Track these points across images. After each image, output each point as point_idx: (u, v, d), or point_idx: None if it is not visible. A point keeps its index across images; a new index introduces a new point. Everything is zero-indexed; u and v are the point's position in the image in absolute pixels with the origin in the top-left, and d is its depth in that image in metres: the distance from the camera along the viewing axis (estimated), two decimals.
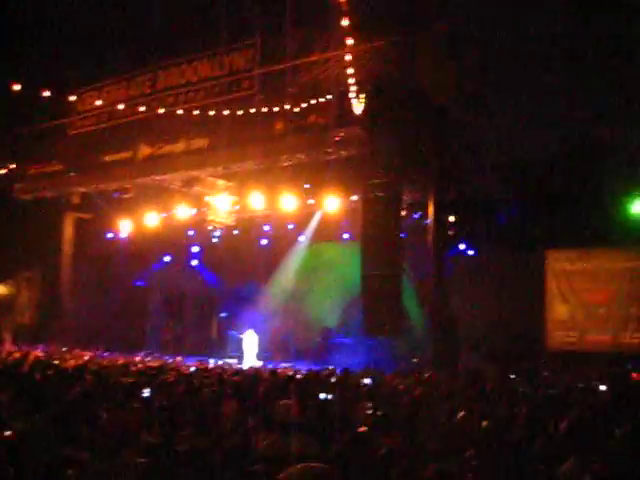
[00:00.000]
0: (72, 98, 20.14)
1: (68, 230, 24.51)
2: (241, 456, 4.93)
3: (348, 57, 14.78)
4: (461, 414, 6.45)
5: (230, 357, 21.50)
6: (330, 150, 16.69)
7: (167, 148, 19.00)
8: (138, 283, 25.36)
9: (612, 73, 16.80)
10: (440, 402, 8.14)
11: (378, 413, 6.72)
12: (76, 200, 23.30)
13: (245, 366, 18.09)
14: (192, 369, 14.04)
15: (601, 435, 5.93)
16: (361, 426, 5.69)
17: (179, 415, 6.48)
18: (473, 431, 5.97)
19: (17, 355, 15.59)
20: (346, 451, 4.83)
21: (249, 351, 21.37)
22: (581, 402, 8.41)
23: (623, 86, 16.73)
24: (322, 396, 7.90)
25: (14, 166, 22.80)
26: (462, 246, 19.97)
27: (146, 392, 7.99)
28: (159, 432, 5.90)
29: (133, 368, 12.94)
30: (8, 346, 19.65)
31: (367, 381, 10.52)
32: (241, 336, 21.84)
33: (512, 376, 13.09)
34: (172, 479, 4.53)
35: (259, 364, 19.37)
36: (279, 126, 16.86)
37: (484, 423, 5.90)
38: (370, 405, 7.20)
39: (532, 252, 18.89)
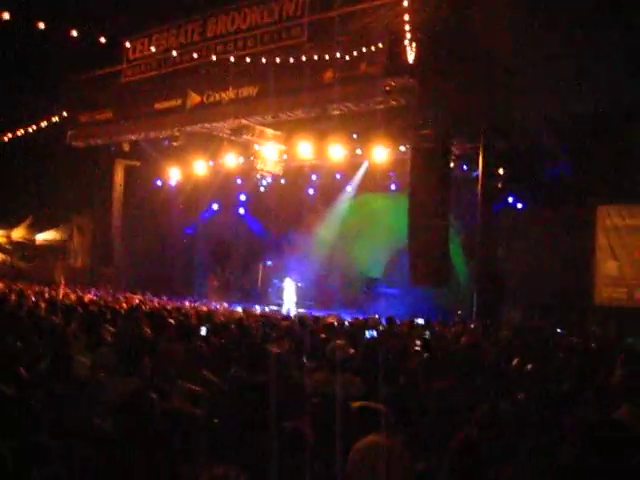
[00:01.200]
0: (127, 45, 20.24)
1: (118, 177, 24.91)
2: (293, 393, 5.05)
3: (405, 3, 14.54)
4: (515, 361, 6.50)
5: (272, 304, 21.95)
6: (379, 100, 16.53)
7: (216, 96, 19.03)
8: (186, 231, 25.73)
9: None
10: (488, 350, 8.21)
11: (426, 355, 6.82)
12: (126, 148, 23.60)
13: (286, 313, 18.38)
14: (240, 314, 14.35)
15: None
16: (411, 366, 5.80)
17: (234, 353, 6.66)
18: (524, 378, 6.02)
19: (72, 297, 16.07)
20: (398, 391, 4.94)
21: (288, 299, 21.88)
22: (630, 355, 8.40)
23: None
24: (368, 334, 8.03)
25: (66, 114, 23.12)
26: (510, 199, 19.74)
27: (203, 330, 8.22)
28: (215, 368, 6.11)
29: (184, 311, 13.25)
30: (62, 289, 20.18)
31: (419, 321, 10.60)
32: (282, 284, 22.26)
33: (559, 329, 13.07)
34: (225, 411, 4.66)
35: (299, 312, 19.71)
36: (328, 75, 16.72)
37: (534, 370, 5.94)
38: (419, 343, 7.31)
39: (582, 206, 18.58)
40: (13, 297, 13.70)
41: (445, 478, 2.86)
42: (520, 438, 4.06)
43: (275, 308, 21.08)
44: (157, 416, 3.46)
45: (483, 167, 17.02)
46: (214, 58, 18.19)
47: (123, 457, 3.29)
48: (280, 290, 22.68)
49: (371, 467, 2.37)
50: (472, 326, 12.56)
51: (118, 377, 5.12)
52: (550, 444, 3.97)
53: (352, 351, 6.30)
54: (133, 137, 22.54)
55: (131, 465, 3.26)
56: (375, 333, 9.05)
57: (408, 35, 14.72)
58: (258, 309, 18.98)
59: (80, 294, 17.48)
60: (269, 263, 25.52)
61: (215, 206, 26.19)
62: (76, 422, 3.90)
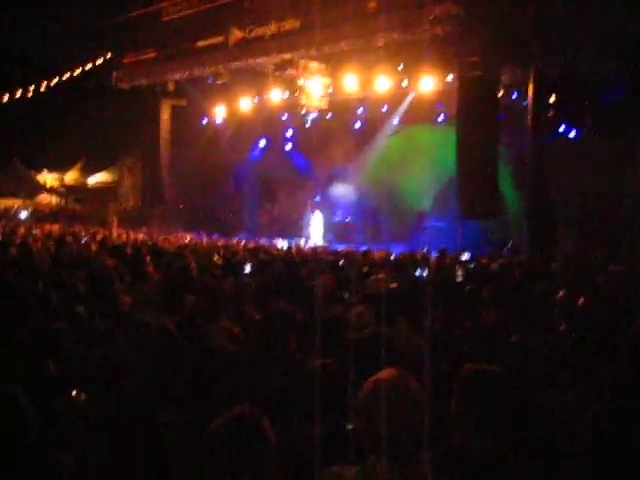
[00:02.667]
0: None
1: (165, 117, 24.95)
2: (335, 326, 5.06)
3: None
4: (561, 293, 6.38)
5: (299, 237, 22.31)
6: (425, 28, 16.06)
7: (259, 31, 18.79)
8: (235, 168, 25.79)
9: None
10: (537, 282, 8.09)
11: (469, 287, 6.75)
12: (171, 87, 23.62)
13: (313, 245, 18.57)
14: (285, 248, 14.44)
15: None
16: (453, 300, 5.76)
17: (277, 289, 6.71)
18: (571, 309, 5.91)
19: (124, 237, 16.37)
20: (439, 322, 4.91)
21: (315, 232, 22.43)
22: None
23: None
24: (418, 272, 7.99)
25: (111, 55, 23.16)
26: (562, 128, 19.18)
27: (247, 267, 8.29)
28: (258, 304, 6.15)
29: (232, 248, 13.37)
30: (115, 229, 20.61)
31: (464, 257, 10.53)
32: (310, 217, 22.54)
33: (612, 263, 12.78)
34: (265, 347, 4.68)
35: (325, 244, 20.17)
36: (372, 4, 16.32)
37: (581, 300, 5.82)
38: (461, 274, 7.25)
39: (637, 134, 17.94)
40: (69, 239, 14.02)
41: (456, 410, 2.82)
42: (556, 370, 4.01)
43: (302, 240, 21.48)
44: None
45: (533, 95, 16.50)
46: None
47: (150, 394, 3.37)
48: (308, 223, 23.07)
49: (380, 400, 2.34)
50: (522, 258, 12.37)
51: (156, 314, 5.19)
52: (586, 383, 3.90)
53: (394, 285, 6.23)
54: (177, 76, 22.49)
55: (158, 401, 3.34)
56: (425, 272, 8.97)
57: None
58: (283, 243, 19.27)
59: (131, 234, 17.77)
60: (317, 199, 25.49)
61: (262, 142, 26.14)
62: (116, 358, 3.99)
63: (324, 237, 22.61)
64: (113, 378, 3.85)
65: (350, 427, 2.98)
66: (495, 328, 4.52)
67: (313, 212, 23.23)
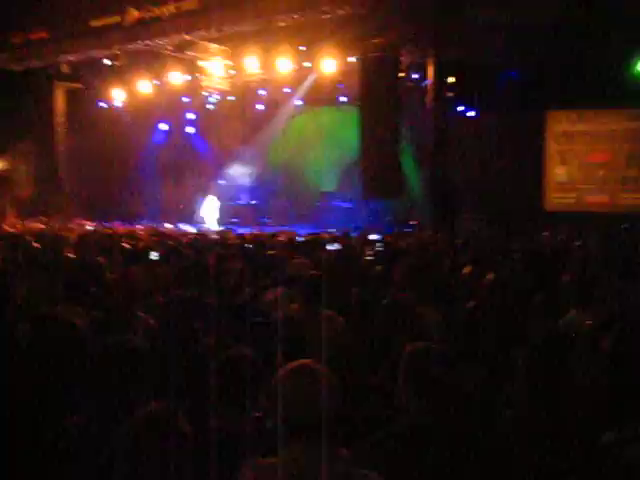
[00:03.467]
0: None
1: (59, 101, 23.99)
2: (249, 310, 5.00)
3: None
4: (466, 269, 6.54)
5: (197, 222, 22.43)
6: (326, 9, 16.03)
7: (156, 11, 18.24)
8: (135, 152, 25.09)
9: None
10: (442, 259, 8.27)
11: (379, 268, 6.82)
12: (65, 69, 22.70)
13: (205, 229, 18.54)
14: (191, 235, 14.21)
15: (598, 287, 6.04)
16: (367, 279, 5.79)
17: (187, 275, 6.57)
18: (477, 285, 6.07)
19: (19, 227, 15.69)
20: (355, 302, 4.92)
21: (209, 216, 22.67)
22: (579, 257, 8.56)
23: None
24: (330, 247, 8.00)
25: None
26: (461, 108, 19.65)
27: (154, 255, 8.09)
28: (167, 292, 6.01)
29: (136, 235, 13.04)
30: (11, 219, 19.73)
31: (372, 237, 10.64)
32: (204, 201, 22.54)
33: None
34: (180, 334, 4.58)
35: (219, 229, 20.05)
36: None
37: (488, 277, 5.98)
38: (372, 252, 7.32)
39: (532, 113, 18.60)
40: None
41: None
42: (471, 346, 4.10)
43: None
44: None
45: (433, 76, 16.84)
46: None
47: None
48: (204, 207, 23.23)
49: (294, 390, 2.31)
50: (426, 236, 12.63)
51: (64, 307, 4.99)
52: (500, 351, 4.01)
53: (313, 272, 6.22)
54: (71, 57, 21.59)
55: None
56: (337, 246, 9.00)
57: None
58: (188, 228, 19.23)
59: (27, 224, 17.05)
60: (222, 182, 25.22)
61: (164, 126, 25.54)
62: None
63: (219, 221, 22.58)
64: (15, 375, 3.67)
65: (258, 415, 2.95)
66: (409, 306, 4.56)
67: (206, 196, 23.12)
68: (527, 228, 15.20)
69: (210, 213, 22.89)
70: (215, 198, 23.14)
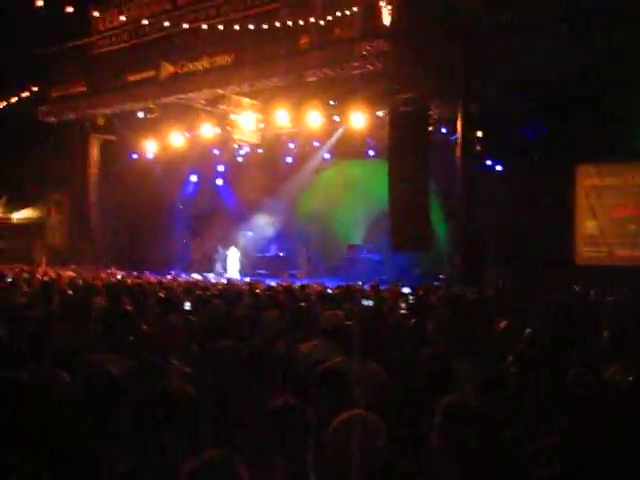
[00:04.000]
0: (95, 14, 19.80)
1: (94, 152, 24.54)
2: (285, 362, 5.02)
3: None
4: (503, 323, 6.50)
5: (217, 272, 22.88)
6: (356, 64, 16.34)
7: (190, 66, 18.76)
8: (166, 203, 25.43)
9: None
10: (473, 313, 8.23)
11: (413, 321, 6.80)
12: (101, 122, 23.29)
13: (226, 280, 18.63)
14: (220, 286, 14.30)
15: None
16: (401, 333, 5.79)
17: (220, 326, 6.60)
18: (514, 339, 6.03)
19: (52, 274, 15.89)
20: (391, 355, 4.92)
21: (232, 267, 22.96)
22: (616, 312, 8.48)
23: None
24: (365, 302, 8.01)
25: (36, 88, 22.66)
26: (489, 162, 19.73)
27: (187, 305, 8.15)
28: (202, 342, 6.04)
29: (167, 285, 13.15)
30: (43, 267, 20.00)
31: (404, 290, 10.64)
32: (226, 252, 22.73)
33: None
34: (216, 383, 4.60)
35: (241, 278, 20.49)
36: (304, 41, 16.53)
37: (526, 331, 5.95)
38: (404, 306, 7.30)
39: (561, 167, 18.61)
40: None
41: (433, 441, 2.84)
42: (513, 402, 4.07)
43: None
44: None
45: (462, 130, 16.99)
46: (186, 26, 17.86)
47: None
48: (224, 258, 23.41)
49: (348, 441, 2.32)
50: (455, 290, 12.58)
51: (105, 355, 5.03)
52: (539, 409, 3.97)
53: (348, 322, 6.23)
54: (107, 111, 22.19)
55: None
56: (372, 302, 9.01)
57: None
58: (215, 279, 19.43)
59: (59, 272, 17.27)
60: (250, 234, 25.41)
61: (194, 178, 25.94)
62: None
63: (241, 272, 22.82)
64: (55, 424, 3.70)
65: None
66: (446, 360, 4.56)
67: (228, 248, 23.41)
68: (558, 282, 15.07)
69: (232, 264, 23.08)
70: (236, 249, 23.37)
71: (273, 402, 3.05)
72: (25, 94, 22.40)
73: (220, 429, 3.36)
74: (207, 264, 23.92)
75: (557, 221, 18.52)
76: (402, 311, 7.42)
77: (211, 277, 21.15)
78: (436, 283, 16.49)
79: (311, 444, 2.78)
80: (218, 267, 23.59)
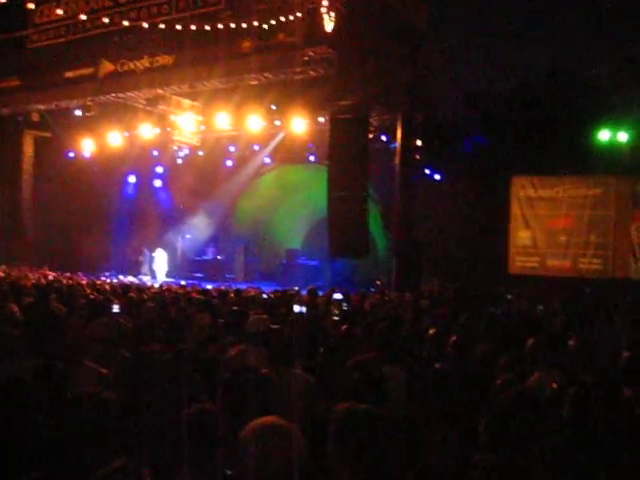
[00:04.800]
0: (31, 7, 19.28)
1: (28, 149, 23.91)
2: (212, 366, 4.95)
3: None
4: (431, 331, 6.56)
5: (144, 275, 22.83)
6: (298, 70, 16.35)
7: (130, 65, 18.41)
8: (102, 203, 24.91)
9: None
10: (407, 320, 8.28)
11: (344, 328, 6.80)
12: (36, 118, 22.65)
13: (157, 283, 18.45)
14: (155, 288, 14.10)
15: (560, 350, 6.13)
16: (332, 339, 5.77)
17: (151, 330, 6.48)
18: (443, 346, 6.08)
19: None
20: (320, 362, 4.89)
21: (159, 269, 22.97)
22: (542, 322, 8.65)
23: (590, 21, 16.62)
24: (297, 309, 7.97)
25: None
26: (428, 171, 19.96)
27: (115, 308, 7.97)
28: (130, 346, 5.91)
29: (98, 287, 12.88)
30: None
31: (337, 296, 10.64)
32: (153, 255, 22.64)
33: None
34: (145, 388, 4.51)
35: (169, 280, 20.53)
36: (246, 44, 16.42)
37: (452, 338, 6.00)
38: (337, 312, 7.30)
39: (497, 178, 18.98)
40: None
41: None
42: (437, 407, 4.09)
43: (147, 278, 22.03)
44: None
45: (401, 139, 17.17)
46: (126, 24, 17.56)
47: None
48: (151, 261, 23.35)
49: (262, 449, 2.27)
50: (390, 296, 12.67)
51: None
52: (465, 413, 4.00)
53: (274, 326, 6.18)
54: (42, 107, 21.62)
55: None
56: (304, 308, 8.97)
57: (325, 3, 14.57)
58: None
59: None
60: (188, 236, 25.15)
61: (132, 178, 25.49)
62: None
63: (167, 274, 22.74)
64: None
65: (229, 473, 2.87)
66: (372, 365, 4.55)
67: (154, 250, 23.26)
68: (492, 290, 15.34)
69: (160, 266, 22.91)
70: (163, 251, 23.24)
71: (188, 409, 2.98)
72: None
73: (132, 437, 3.27)
74: (136, 266, 23.62)
75: (492, 230, 18.86)
76: (335, 317, 7.41)
77: (146, 279, 20.92)
78: (372, 289, 16.60)
79: (221, 453, 2.73)
80: (144, 269, 23.32)
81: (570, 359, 6.14)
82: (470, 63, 17.54)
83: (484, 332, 7.33)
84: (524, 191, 19.13)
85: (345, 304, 9.71)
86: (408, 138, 17.30)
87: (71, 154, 24.23)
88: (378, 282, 18.86)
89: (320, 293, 12.40)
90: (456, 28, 17.18)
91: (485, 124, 18.80)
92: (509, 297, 13.57)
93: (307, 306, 9.15)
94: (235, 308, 8.12)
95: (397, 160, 17.21)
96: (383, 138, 18.98)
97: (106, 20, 18.21)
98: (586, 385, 4.28)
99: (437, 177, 19.88)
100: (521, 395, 3.74)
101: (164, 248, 23.49)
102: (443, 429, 4.00)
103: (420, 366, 5.48)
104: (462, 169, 19.09)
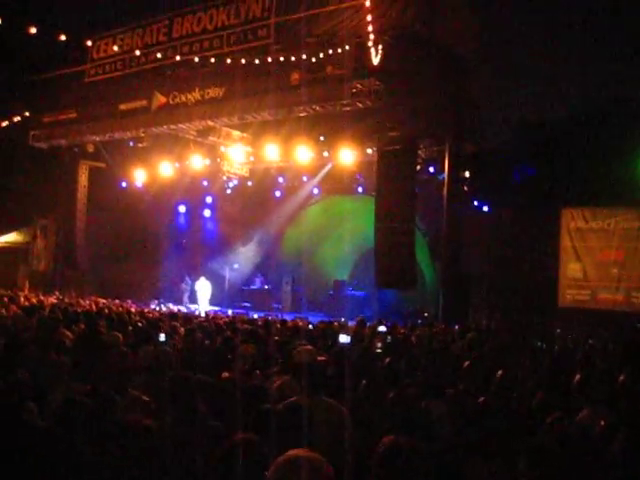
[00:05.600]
0: (88, 43, 19.94)
1: (83, 179, 24.55)
2: (256, 395, 4.97)
3: (367, 3, 14.56)
4: (477, 365, 6.48)
5: (186, 303, 22.99)
6: (346, 102, 16.50)
7: (182, 97, 18.85)
8: (153, 233, 25.36)
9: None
10: (452, 353, 8.21)
11: (389, 360, 6.77)
12: (91, 149, 23.32)
13: (202, 312, 18.49)
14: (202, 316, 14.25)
15: (610, 386, 5.98)
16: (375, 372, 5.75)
17: (196, 358, 6.56)
18: (486, 379, 6.01)
19: (34, 301, 15.78)
20: (362, 395, 4.88)
21: (203, 298, 22.71)
22: (593, 356, 8.47)
23: None
24: (342, 339, 7.97)
25: (28, 114, 22.73)
26: (476, 202, 19.83)
27: (162, 336, 8.08)
28: (175, 374, 5.98)
29: (147, 315, 13.07)
30: (25, 292, 19.85)
31: (382, 329, 10.60)
32: (196, 285, 22.68)
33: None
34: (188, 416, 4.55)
35: (213, 309, 20.60)
36: (295, 77, 16.66)
37: (498, 373, 5.92)
38: (381, 345, 7.27)
39: (547, 210, 18.74)
40: None
41: None
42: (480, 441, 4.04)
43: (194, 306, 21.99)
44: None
45: (449, 170, 17.12)
46: (178, 58, 18.00)
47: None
48: (192, 289, 23.36)
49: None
50: (438, 328, 12.56)
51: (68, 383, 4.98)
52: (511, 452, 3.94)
53: (321, 357, 6.20)
54: (97, 138, 22.24)
55: None
56: (349, 338, 8.96)
57: (372, 37, 14.72)
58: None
59: (42, 298, 17.17)
60: (236, 266, 25.37)
61: (182, 208, 25.96)
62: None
63: (210, 303, 22.76)
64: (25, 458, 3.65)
65: None
66: (414, 400, 4.54)
67: (197, 279, 23.31)
68: (540, 324, 15.09)
69: (203, 295, 22.90)
70: (206, 280, 23.10)
71: (232, 438, 3.02)
72: (17, 119, 22.43)
73: (175, 463, 3.31)
74: (189, 295, 23.84)
75: (542, 262, 18.60)
76: (378, 350, 7.38)
77: (193, 308, 21.10)
78: (419, 321, 16.47)
79: None
80: (185, 298, 23.51)
81: (620, 395, 5.99)
82: (519, 93, 17.43)
83: (531, 367, 7.23)
84: (574, 222, 18.85)
85: (389, 336, 9.66)
86: (456, 169, 17.24)
87: (124, 184, 24.82)
88: (426, 314, 18.73)
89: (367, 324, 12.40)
90: (505, 59, 17.07)
91: (534, 154, 18.63)
92: (558, 331, 13.33)
93: (353, 337, 9.14)
94: (279, 338, 8.18)
95: (445, 191, 17.14)
96: (431, 169, 18.97)
97: (159, 55, 18.71)
98: (638, 425, 4.19)
99: (485, 208, 19.73)
100: (569, 432, 3.68)
101: (211, 277, 23.66)
102: (486, 464, 3.95)
103: (464, 400, 5.43)
104: (510, 200, 18.90)
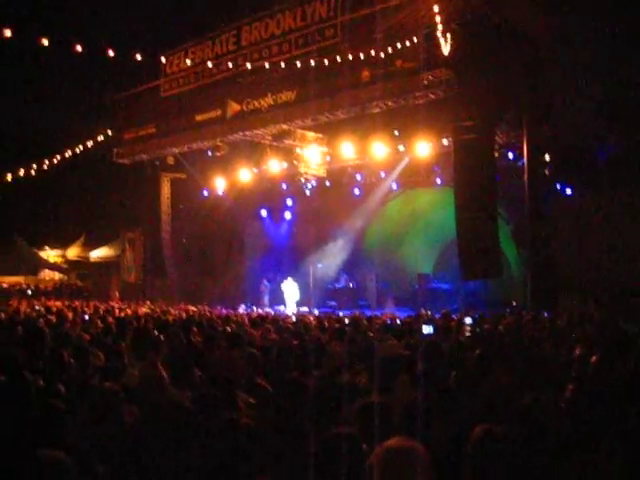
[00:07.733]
0: (163, 60, 20.51)
1: (165, 190, 25.29)
2: (347, 393, 5.02)
3: None
4: (577, 350, 6.34)
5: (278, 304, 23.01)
6: (419, 94, 16.44)
7: (255, 103, 19.17)
8: (236, 239, 25.87)
9: None
10: (543, 342, 8.06)
11: (478, 352, 6.71)
12: (171, 161, 23.98)
13: (289, 313, 18.53)
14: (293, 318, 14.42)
15: None
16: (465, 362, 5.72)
17: (286, 358, 6.68)
18: (580, 368, 5.87)
19: (128, 311, 16.32)
20: (452, 386, 4.87)
21: (290, 299, 22.75)
22: None
23: None
24: (425, 330, 7.96)
25: (110, 132, 23.56)
26: (558, 186, 19.32)
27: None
28: (268, 375, 6.12)
29: (236, 319, 13.32)
30: (116, 303, 20.57)
31: (468, 320, 10.50)
32: (282, 286, 22.84)
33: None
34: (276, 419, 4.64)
35: (302, 310, 20.66)
36: (365, 73, 16.69)
37: (593, 359, 5.78)
38: (467, 335, 7.20)
39: (634, 189, 18.07)
40: (70, 315, 13.94)
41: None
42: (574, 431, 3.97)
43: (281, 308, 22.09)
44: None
45: (528, 155, 16.77)
46: (249, 66, 18.30)
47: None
48: (280, 292, 23.39)
49: (389, 471, 2.33)
50: (527, 318, 12.32)
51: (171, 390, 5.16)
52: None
53: (405, 352, 6.21)
54: (176, 150, 22.87)
55: None
56: (432, 329, 8.95)
57: (440, 27, 14.58)
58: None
59: (134, 308, 17.75)
60: (320, 265, 25.53)
61: (264, 212, 26.39)
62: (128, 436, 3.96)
63: (298, 304, 22.74)
64: (128, 456, 3.83)
65: None
66: (507, 391, 4.49)
67: (283, 280, 23.45)
68: (634, 309, 14.54)
69: (290, 296, 23.04)
70: (292, 281, 23.22)
71: (330, 431, 3.09)
72: (100, 138, 23.28)
73: (281, 458, 3.41)
74: (269, 297, 24.11)
75: (630, 245, 17.94)
76: (464, 341, 7.32)
77: (285, 310, 21.30)
78: (508, 310, 16.20)
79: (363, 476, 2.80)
80: (265, 300, 23.74)
81: None
82: (599, 69, 16.81)
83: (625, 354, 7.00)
84: None
85: (477, 328, 9.57)
86: (535, 154, 16.85)
87: (205, 193, 25.39)
88: (514, 302, 18.41)
89: (453, 317, 12.31)
90: (582, 38, 16.51)
91: (619, 130, 17.97)
92: None
93: (440, 330, 9.10)
94: (366, 335, 8.23)
95: (525, 177, 16.80)
96: (510, 155, 18.60)
97: (230, 64, 19.07)
98: None
99: (568, 191, 19.21)
100: None
101: (297, 277, 23.88)
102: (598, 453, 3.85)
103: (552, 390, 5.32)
104: (595, 181, 18.31)
